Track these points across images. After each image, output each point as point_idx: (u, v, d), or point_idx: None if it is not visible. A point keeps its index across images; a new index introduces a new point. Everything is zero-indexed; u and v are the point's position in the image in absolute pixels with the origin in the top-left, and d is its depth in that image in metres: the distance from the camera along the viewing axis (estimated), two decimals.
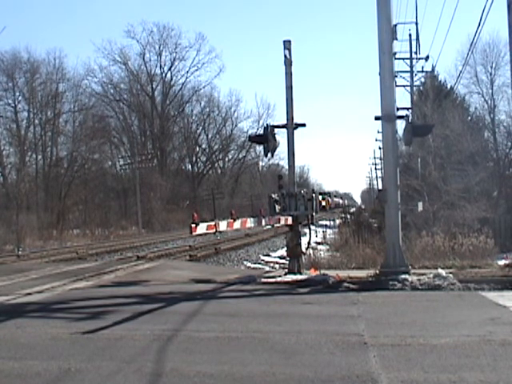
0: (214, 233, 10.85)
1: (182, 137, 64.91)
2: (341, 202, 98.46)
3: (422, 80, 34.12)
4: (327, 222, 50.16)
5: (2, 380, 5.19)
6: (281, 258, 23.04)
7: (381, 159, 47.60)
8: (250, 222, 11.95)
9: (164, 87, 63.69)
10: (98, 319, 7.70)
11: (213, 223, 10.49)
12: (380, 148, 46.69)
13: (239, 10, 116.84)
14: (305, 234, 14.45)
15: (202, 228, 10.22)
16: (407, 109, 27.54)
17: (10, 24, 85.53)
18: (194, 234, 10.29)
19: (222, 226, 10.87)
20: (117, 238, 38.23)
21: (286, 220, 12.79)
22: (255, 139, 15.20)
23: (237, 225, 11.44)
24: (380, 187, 37.42)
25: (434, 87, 34.87)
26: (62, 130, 50.69)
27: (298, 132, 13.18)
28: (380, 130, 15.43)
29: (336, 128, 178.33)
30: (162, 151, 60.86)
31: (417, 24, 27.68)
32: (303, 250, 13.31)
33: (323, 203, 13.08)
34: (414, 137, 12.39)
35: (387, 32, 11.47)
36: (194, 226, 9.95)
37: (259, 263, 22.71)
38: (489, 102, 39.48)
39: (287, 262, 13.71)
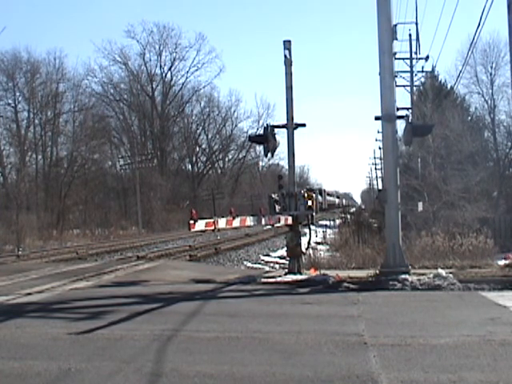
0: (213, 230, 10.86)
1: (182, 137, 64.92)
2: (337, 201, 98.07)
3: (422, 80, 34.07)
4: (327, 222, 50.12)
5: (2, 380, 5.19)
6: (281, 257, 23.02)
7: (381, 159, 47.57)
8: (249, 221, 11.97)
9: (164, 87, 63.71)
10: (97, 319, 7.70)
11: (211, 220, 10.50)
12: (380, 148, 46.65)
13: (239, 9, 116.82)
14: (305, 234, 14.44)
15: (200, 225, 10.22)
16: (407, 109, 27.54)
17: (10, 24, 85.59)
18: (192, 230, 10.31)
19: (221, 223, 10.89)
20: (117, 237, 38.22)
21: (286, 220, 12.78)
22: (255, 139, 15.22)
23: (236, 223, 11.45)
24: (380, 187, 37.43)
25: (433, 87, 34.86)
26: (62, 130, 50.70)
27: (297, 132, 13.21)
28: (380, 130, 15.43)
29: (336, 128, 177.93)
30: (162, 151, 60.86)
31: (417, 24, 27.57)
32: (303, 250, 13.31)
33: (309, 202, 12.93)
34: (413, 137, 12.40)
35: (387, 32, 11.49)
36: (192, 222, 9.95)
37: (259, 263, 22.69)
38: (489, 101, 39.51)
39: (287, 262, 13.71)
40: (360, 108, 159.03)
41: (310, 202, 12.92)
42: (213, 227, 10.55)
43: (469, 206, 26.37)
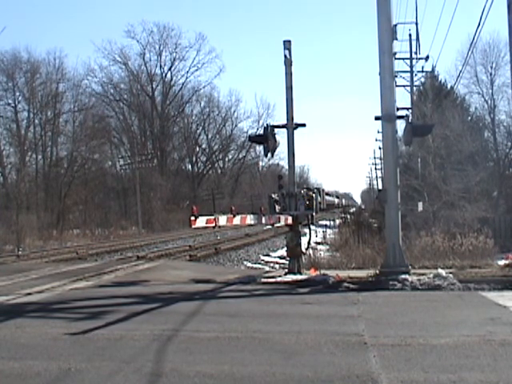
0: (214, 227, 10.89)
1: (182, 137, 64.95)
2: (337, 201, 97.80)
3: (422, 80, 34.08)
4: (327, 222, 50.11)
5: (2, 380, 5.19)
6: (281, 257, 23.01)
7: (381, 159, 47.53)
8: (249, 219, 12.02)
9: (164, 87, 63.74)
10: (97, 319, 7.70)
11: (212, 217, 10.54)
12: (380, 148, 46.60)
13: (239, 10, 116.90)
14: (305, 234, 14.44)
15: (201, 221, 10.24)
16: (407, 109, 27.55)
17: (10, 24, 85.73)
18: (193, 226, 10.32)
19: (222, 220, 10.93)
20: (117, 237, 38.21)
21: (286, 219, 12.78)
22: (255, 139, 15.20)
23: (236, 220, 11.49)
24: (380, 187, 37.42)
25: (433, 87, 34.84)
26: (62, 130, 50.71)
27: (298, 132, 13.20)
28: (380, 130, 15.43)
29: (336, 128, 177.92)
30: (161, 151, 60.87)
31: (417, 24, 27.61)
32: (303, 250, 13.30)
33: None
34: (413, 137, 12.39)
35: (387, 32, 11.49)
36: (193, 218, 9.96)
37: (259, 263, 22.69)
38: (489, 101, 39.48)
39: (287, 262, 13.70)
40: (360, 108, 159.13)
41: (307, 202, 12.91)
42: (213, 224, 10.60)
43: (469, 206, 26.36)
